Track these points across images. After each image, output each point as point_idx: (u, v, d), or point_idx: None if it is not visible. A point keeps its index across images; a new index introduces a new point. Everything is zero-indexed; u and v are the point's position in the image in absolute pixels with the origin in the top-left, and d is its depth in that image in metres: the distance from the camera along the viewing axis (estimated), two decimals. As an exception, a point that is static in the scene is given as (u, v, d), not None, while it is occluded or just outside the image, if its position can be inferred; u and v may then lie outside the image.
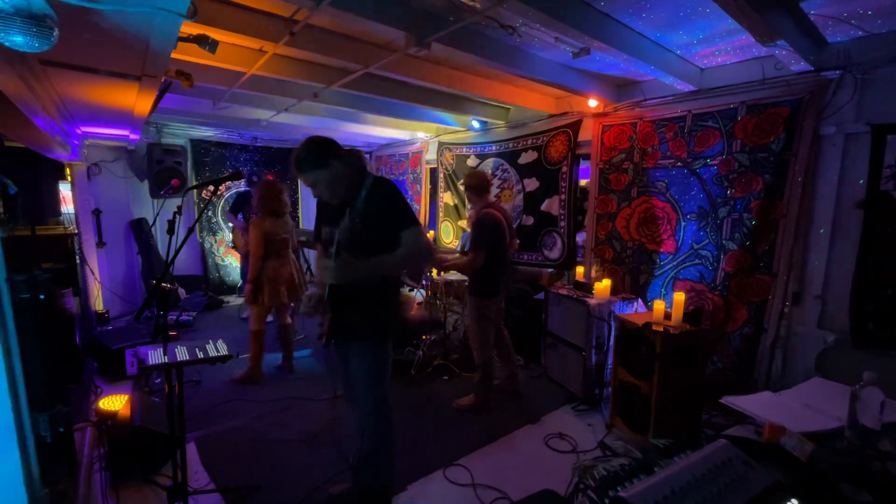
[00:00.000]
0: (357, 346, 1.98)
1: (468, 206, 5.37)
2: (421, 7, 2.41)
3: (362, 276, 1.82)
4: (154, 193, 5.57)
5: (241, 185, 6.20)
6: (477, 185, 3.18)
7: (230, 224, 6.25)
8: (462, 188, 5.49)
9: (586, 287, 3.56)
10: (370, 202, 1.86)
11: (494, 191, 5.04)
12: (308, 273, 5.56)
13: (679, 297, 2.78)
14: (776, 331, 2.94)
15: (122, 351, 3.46)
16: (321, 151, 1.82)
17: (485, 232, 3.03)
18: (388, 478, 2.15)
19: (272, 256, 3.62)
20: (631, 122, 3.74)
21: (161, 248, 5.63)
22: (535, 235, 4.53)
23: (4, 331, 1.13)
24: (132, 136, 4.63)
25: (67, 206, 4.53)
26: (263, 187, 3.73)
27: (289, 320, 3.87)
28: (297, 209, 7.34)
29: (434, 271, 4.32)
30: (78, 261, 4.20)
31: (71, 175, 4.70)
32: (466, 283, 3.35)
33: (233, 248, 6.36)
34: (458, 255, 3.75)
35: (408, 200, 1.96)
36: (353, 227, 1.87)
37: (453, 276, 4.66)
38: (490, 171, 5.08)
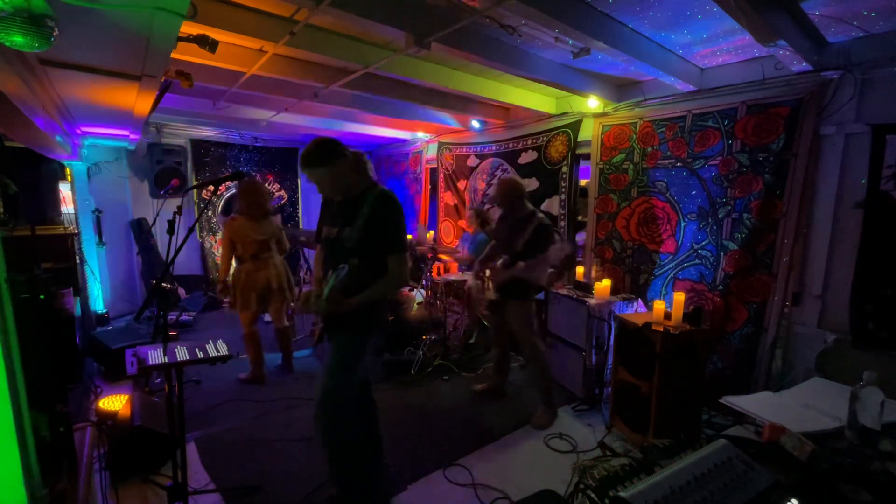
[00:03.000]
0: (339, 335, 2.03)
1: (468, 206, 5.37)
2: (421, 7, 2.41)
3: (350, 309, 1.93)
4: (154, 193, 5.57)
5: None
6: (522, 194, 3.14)
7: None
8: (463, 187, 5.49)
9: (586, 287, 3.56)
10: (375, 212, 1.94)
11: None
12: (307, 272, 5.56)
13: (679, 297, 2.78)
14: (776, 331, 2.94)
15: (122, 351, 3.45)
16: (327, 150, 1.92)
17: (551, 237, 3.02)
18: (366, 482, 2.08)
19: (246, 260, 3.49)
20: (631, 122, 3.74)
21: (161, 248, 5.63)
22: (535, 235, 4.53)
23: (4, 331, 1.13)
24: (132, 136, 4.63)
25: (67, 206, 4.53)
26: (240, 187, 3.68)
27: (286, 323, 3.82)
28: (297, 209, 7.35)
29: (432, 270, 4.30)
30: (78, 261, 4.20)
31: (71, 175, 4.70)
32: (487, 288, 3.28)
33: None
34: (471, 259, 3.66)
35: (406, 221, 2.09)
36: (357, 230, 1.94)
37: (453, 276, 4.67)
38: (490, 171, 5.08)
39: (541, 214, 3.10)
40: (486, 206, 5.12)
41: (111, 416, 2.67)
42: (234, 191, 6.43)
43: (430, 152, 6.11)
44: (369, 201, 1.96)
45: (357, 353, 2.02)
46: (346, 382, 1.99)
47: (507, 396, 3.49)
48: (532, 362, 3.20)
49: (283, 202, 7.13)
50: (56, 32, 1.37)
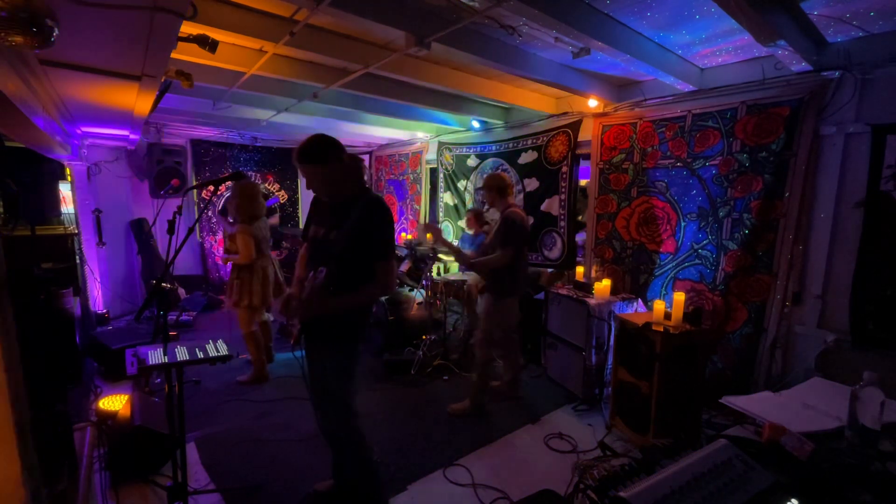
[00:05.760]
0: (324, 347, 1.98)
1: (469, 205, 5.37)
2: (421, 7, 2.41)
3: (329, 312, 1.90)
4: (154, 193, 5.57)
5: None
6: (500, 186, 3.14)
7: (223, 228, 6.24)
8: (463, 187, 5.50)
9: (586, 287, 3.56)
10: (364, 217, 1.90)
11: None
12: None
13: (679, 297, 2.79)
14: (776, 331, 2.94)
15: (122, 351, 3.45)
16: (323, 148, 1.91)
17: (515, 229, 2.98)
18: (372, 480, 2.10)
19: (259, 257, 3.58)
20: (631, 122, 3.74)
21: (161, 248, 5.63)
22: (535, 235, 4.53)
23: (4, 331, 1.13)
24: (132, 136, 4.64)
25: (67, 206, 4.52)
26: (244, 191, 3.58)
27: (265, 316, 3.90)
28: (297, 209, 7.35)
29: (432, 270, 4.30)
30: (78, 261, 4.20)
31: (71, 175, 4.70)
32: (481, 283, 3.33)
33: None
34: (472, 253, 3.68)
35: (394, 229, 2.04)
36: (344, 234, 1.90)
37: (453, 276, 4.66)
38: (489, 171, 5.08)
39: (514, 208, 3.08)
40: (486, 208, 5.12)
41: (111, 416, 2.67)
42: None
43: (430, 152, 6.11)
44: (359, 206, 1.92)
45: (347, 362, 1.98)
46: (343, 393, 1.99)
47: (519, 399, 3.42)
48: (476, 365, 3.19)
49: (279, 202, 7.12)
50: (56, 32, 1.37)
